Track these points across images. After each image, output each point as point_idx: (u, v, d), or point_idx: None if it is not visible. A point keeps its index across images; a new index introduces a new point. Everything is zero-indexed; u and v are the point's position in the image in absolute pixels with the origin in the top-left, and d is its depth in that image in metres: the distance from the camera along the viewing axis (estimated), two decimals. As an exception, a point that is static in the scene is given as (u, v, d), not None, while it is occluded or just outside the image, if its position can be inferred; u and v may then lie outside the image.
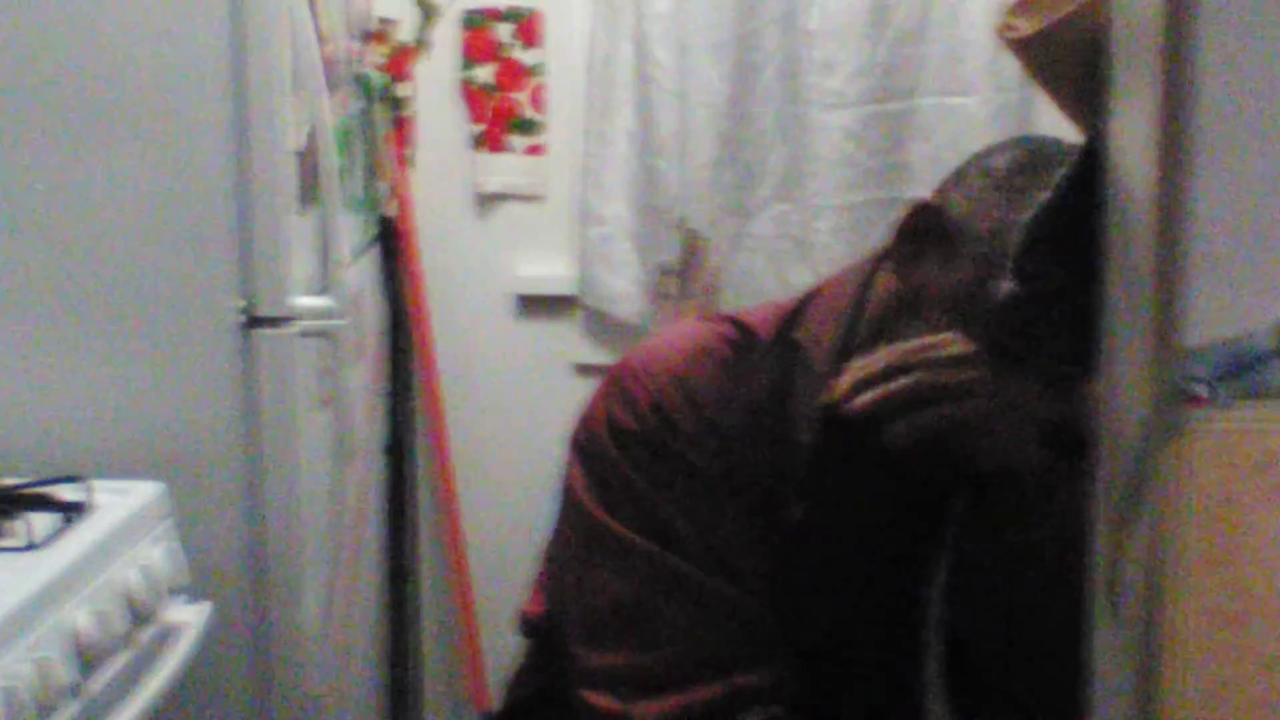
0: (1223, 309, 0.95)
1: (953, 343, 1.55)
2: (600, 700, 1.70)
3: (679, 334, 1.83)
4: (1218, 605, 0.96)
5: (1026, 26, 1.23)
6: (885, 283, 1.69)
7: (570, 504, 1.79)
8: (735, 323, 1.80)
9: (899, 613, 1.75)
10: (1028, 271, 1.29)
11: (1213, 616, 0.96)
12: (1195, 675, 0.96)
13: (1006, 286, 1.34)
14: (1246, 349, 0.95)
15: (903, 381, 1.53)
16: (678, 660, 1.67)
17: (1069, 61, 1.20)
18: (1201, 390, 0.95)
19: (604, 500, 1.73)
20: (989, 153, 1.67)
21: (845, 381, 1.56)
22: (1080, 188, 1.18)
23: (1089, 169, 1.15)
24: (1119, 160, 1.08)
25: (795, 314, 1.79)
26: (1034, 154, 1.64)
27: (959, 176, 1.67)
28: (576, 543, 1.78)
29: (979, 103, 3.68)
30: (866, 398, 1.54)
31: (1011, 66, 3.61)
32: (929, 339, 1.56)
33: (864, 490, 1.71)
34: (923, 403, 1.53)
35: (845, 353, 1.68)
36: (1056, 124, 3.67)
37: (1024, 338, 1.34)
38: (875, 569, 1.76)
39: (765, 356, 1.76)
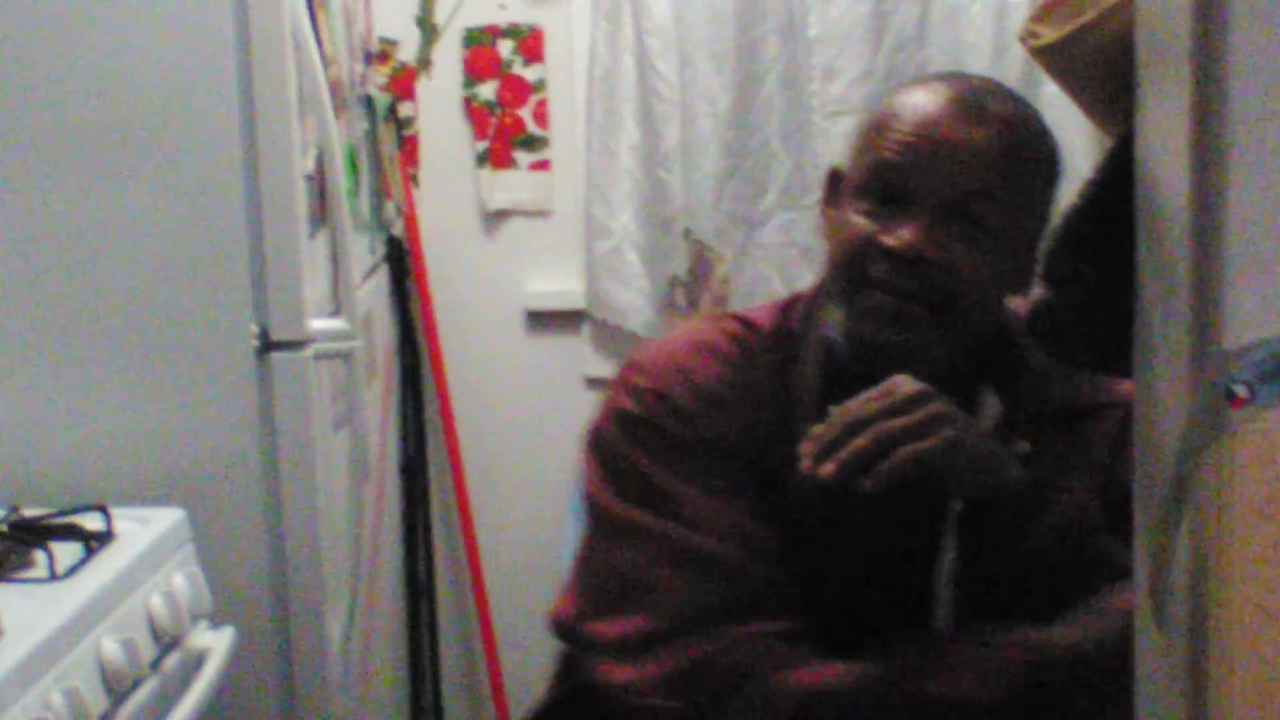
0: (1262, 309, 0.95)
1: (903, 385, 1.62)
2: (611, 669, 1.77)
3: (680, 331, 1.95)
4: (1265, 603, 0.96)
5: (1050, 33, 1.23)
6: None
7: (587, 500, 1.88)
8: (737, 318, 1.90)
9: (906, 586, 1.79)
10: (1058, 276, 1.29)
11: (1260, 615, 0.96)
12: (1244, 674, 0.96)
13: (1038, 292, 1.35)
14: (1287, 348, 0.95)
15: (858, 441, 1.59)
16: (680, 621, 1.73)
17: (1094, 66, 1.20)
18: (1242, 391, 0.96)
19: (613, 486, 1.82)
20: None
21: (808, 451, 1.61)
22: (1109, 191, 1.18)
23: (1118, 172, 1.15)
24: (1150, 162, 1.08)
25: (791, 304, 1.89)
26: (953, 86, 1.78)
27: None
28: (589, 532, 1.87)
29: (982, 106, 3.68)
30: (829, 466, 1.59)
31: (1013, 69, 3.62)
32: (878, 390, 1.62)
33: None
34: (883, 452, 1.58)
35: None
36: (1059, 123, 3.67)
37: (1057, 342, 1.35)
38: (879, 539, 1.79)
39: (765, 344, 1.85)
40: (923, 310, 1.70)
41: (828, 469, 1.58)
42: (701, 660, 1.70)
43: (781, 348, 1.84)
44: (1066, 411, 1.80)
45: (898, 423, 1.59)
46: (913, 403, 1.60)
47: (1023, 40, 1.30)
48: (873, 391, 1.62)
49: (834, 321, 1.77)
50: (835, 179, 1.83)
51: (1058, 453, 1.74)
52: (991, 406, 1.78)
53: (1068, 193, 1.36)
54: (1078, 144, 3.55)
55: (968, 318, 1.72)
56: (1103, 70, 1.19)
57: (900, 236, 1.68)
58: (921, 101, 1.73)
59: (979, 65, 3.66)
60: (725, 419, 1.79)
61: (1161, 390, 1.05)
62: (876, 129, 1.75)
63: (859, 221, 1.73)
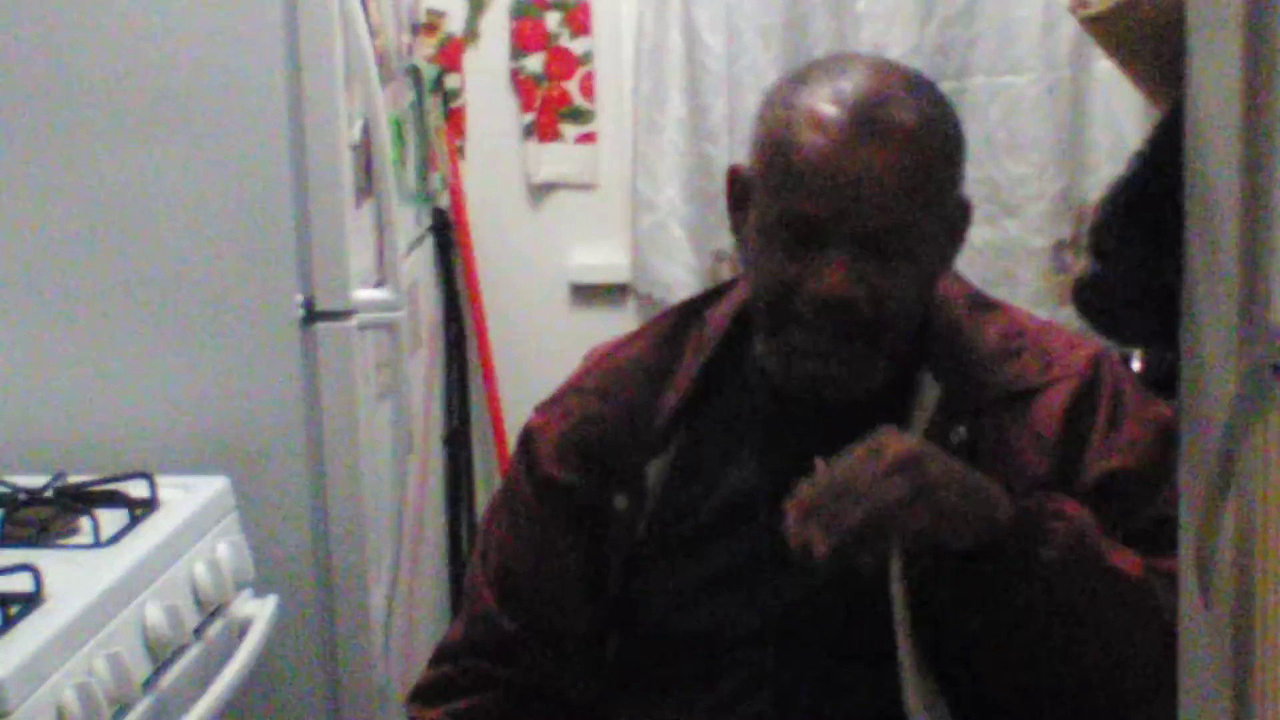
0: (1311, 282, 0.94)
1: (891, 444, 1.55)
2: None
3: (611, 340, 1.95)
4: (1311, 580, 0.95)
5: (1100, 2, 1.22)
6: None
7: None
8: (663, 312, 1.92)
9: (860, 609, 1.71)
10: (1105, 249, 1.28)
11: (1306, 591, 0.95)
12: (1290, 652, 0.96)
13: (1085, 265, 1.33)
14: (1337, 322, 0.94)
15: (853, 519, 1.52)
16: (442, 642, 1.96)
17: (1145, 36, 1.19)
18: (1291, 365, 0.94)
19: (503, 486, 1.98)
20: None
21: (794, 516, 1.55)
22: (1158, 162, 1.17)
23: (1167, 143, 1.14)
24: (1199, 133, 1.07)
25: (713, 293, 1.90)
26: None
27: None
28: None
29: (1031, 81, 3.66)
30: (821, 548, 1.52)
31: (1063, 44, 3.60)
32: (866, 449, 1.55)
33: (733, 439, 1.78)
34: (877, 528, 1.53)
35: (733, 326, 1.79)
36: (1110, 99, 3.63)
37: (1104, 316, 1.33)
38: (754, 520, 1.75)
39: (658, 330, 1.86)
40: (852, 344, 1.66)
41: (820, 550, 1.52)
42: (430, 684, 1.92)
43: (676, 333, 1.84)
44: (1012, 392, 1.72)
45: (892, 497, 1.52)
46: (904, 467, 1.54)
47: (1072, 10, 1.29)
48: (860, 451, 1.55)
49: (762, 353, 1.73)
50: (738, 182, 1.75)
51: (1000, 435, 1.68)
52: (930, 390, 1.72)
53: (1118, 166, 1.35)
54: (1130, 120, 3.52)
55: (897, 334, 1.69)
56: (1153, 40, 1.18)
57: (822, 280, 1.63)
58: (816, 126, 1.63)
59: (1029, 40, 3.63)
60: (585, 457, 1.81)
61: (1208, 365, 1.04)
62: (774, 157, 1.67)
63: (777, 264, 1.66)
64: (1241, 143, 0.95)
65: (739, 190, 1.74)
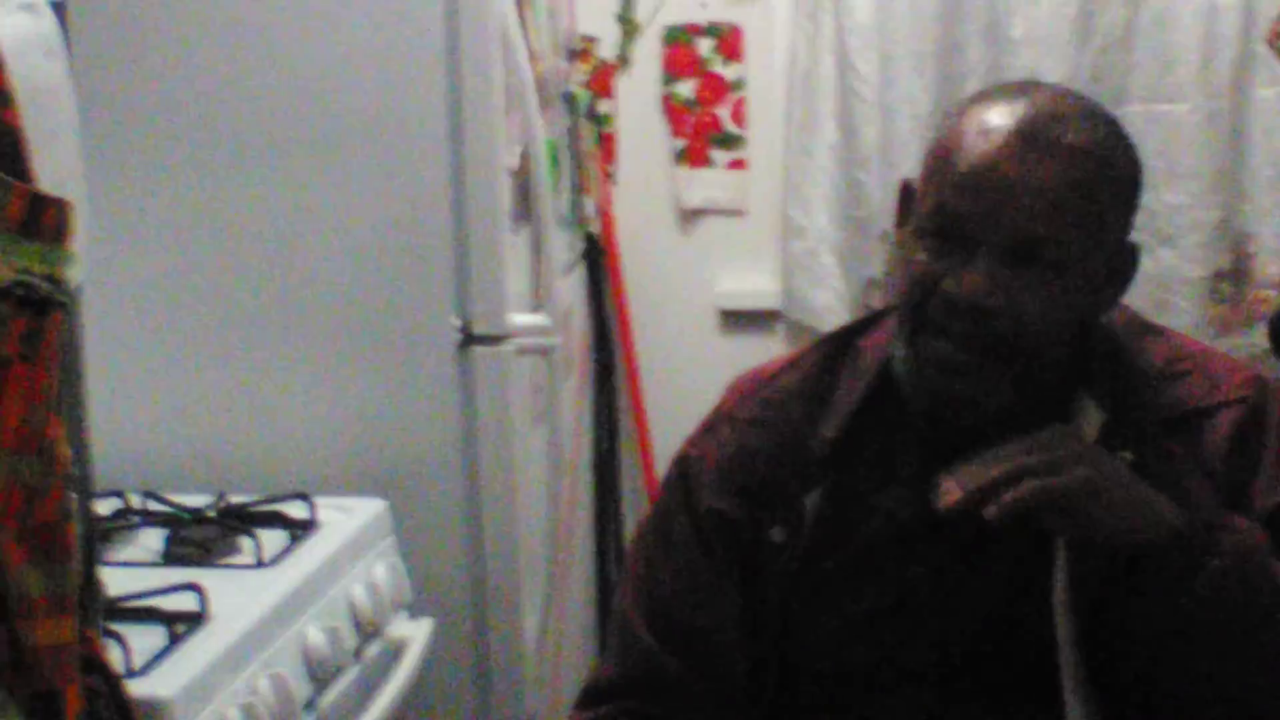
0: None
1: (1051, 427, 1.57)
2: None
3: (760, 367, 1.89)
4: None
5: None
6: None
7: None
8: (811, 344, 1.88)
9: (1022, 640, 1.70)
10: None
11: None
12: None
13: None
14: None
15: (991, 472, 1.53)
16: (593, 682, 1.86)
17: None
18: None
19: (650, 520, 1.92)
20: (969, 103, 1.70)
21: (945, 485, 1.56)
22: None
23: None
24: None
25: (867, 321, 1.85)
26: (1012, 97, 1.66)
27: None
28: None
29: (1189, 109, 3.61)
30: (953, 494, 1.54)
31: (1223, 71, 3.55)
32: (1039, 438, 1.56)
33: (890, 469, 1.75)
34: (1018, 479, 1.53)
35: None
36: (1270, 128, 3.59)
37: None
38: (913, 552, 1.73)
39: (813, 359, 1.83)
40: (983, 359, 1.62)
41: (950, 497, 1.54)
42: None
43: (828, 363, 1.81)
44: (1176, 417, 1.69)
45: (1032, 458, 1.53)
46: (1052, 440, 1.55)
47: (1275, 43, 1.26)
48: (1028, 442, 1.56)
49: (900, 363, 1.72)
50: (908, 194, 1.72)
51: (1165, 462, 1.65)
52: (1092, 415, 1.69)
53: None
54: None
55: (1033, 359, 1.64)
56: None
57: (960, 284, 1.59)
58: (984, 134, 1.61)
59: (1188, 67, 3.59)
60: (743, 489, 1.78)
61: None
62: (940, 161, 1.64)
63: (921, 261, 1.63)
64: None
65: (906, 201, 1.72)
